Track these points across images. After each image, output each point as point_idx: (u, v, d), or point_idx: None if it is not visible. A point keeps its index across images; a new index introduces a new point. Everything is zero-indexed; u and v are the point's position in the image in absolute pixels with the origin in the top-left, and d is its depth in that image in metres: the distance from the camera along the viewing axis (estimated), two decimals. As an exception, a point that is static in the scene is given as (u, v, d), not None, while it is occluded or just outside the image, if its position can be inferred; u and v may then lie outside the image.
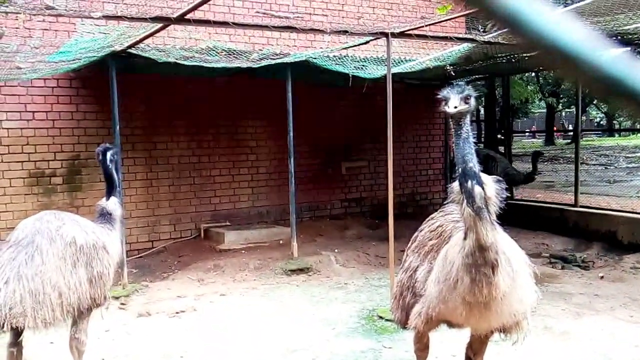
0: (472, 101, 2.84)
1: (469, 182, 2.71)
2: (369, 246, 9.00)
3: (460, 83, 2.86)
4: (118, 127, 7.20)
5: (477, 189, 2.70)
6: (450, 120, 2.89)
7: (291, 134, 8.04)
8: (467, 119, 2.86)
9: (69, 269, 3.52)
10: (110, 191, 4.25)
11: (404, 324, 3.53)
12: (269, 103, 9.76)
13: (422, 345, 3.55)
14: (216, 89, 9.54)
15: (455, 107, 2.76)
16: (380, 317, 5.77)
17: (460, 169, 2.77)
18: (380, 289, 6.82)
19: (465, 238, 2.80)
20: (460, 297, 2.88)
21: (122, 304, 6.44)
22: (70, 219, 3.79)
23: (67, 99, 8.59)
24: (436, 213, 3.64)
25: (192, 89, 9.36)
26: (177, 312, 6.14)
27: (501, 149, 13.10)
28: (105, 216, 4.13)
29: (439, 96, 2.81)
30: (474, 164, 2.75)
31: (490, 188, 2.77)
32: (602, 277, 7.31)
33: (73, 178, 8.62)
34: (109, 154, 4.30)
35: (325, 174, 10.89)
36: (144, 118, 9.11)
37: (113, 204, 4.19)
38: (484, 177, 2.80)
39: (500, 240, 2.81)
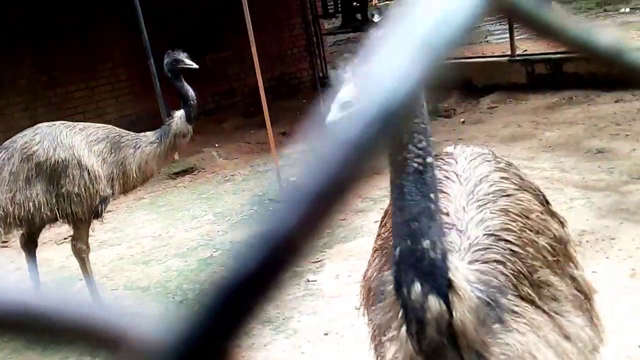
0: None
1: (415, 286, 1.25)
2: (248, 135, 9.07)
3: None
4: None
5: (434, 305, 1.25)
6: None
7: (145, 32, 7.60)
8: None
9: (20, 185, 3.74)
10: (182, 103, 4.32)
11: None
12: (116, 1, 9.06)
13: None
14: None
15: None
16: (272, 200, 6.00)
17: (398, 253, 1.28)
18: (266, 174, 7.00)
19: None
20: None
21: (4, 241, 6.15)
22: (48, 134, 3.84)
23: None
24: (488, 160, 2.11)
25: None
26: (65, 238, 5.97)
27: (358, 16, 13.25)
28: (163, 127, 4.25)
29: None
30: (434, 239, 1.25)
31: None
32: (463, 122, 7.97)
33: None
34: (167, 66, 4.45)
35: (191, 69, 10.52)
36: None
37: (174, 115, 4.24)
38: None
39: None
